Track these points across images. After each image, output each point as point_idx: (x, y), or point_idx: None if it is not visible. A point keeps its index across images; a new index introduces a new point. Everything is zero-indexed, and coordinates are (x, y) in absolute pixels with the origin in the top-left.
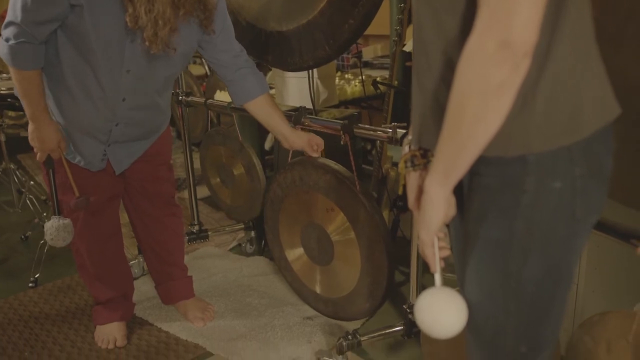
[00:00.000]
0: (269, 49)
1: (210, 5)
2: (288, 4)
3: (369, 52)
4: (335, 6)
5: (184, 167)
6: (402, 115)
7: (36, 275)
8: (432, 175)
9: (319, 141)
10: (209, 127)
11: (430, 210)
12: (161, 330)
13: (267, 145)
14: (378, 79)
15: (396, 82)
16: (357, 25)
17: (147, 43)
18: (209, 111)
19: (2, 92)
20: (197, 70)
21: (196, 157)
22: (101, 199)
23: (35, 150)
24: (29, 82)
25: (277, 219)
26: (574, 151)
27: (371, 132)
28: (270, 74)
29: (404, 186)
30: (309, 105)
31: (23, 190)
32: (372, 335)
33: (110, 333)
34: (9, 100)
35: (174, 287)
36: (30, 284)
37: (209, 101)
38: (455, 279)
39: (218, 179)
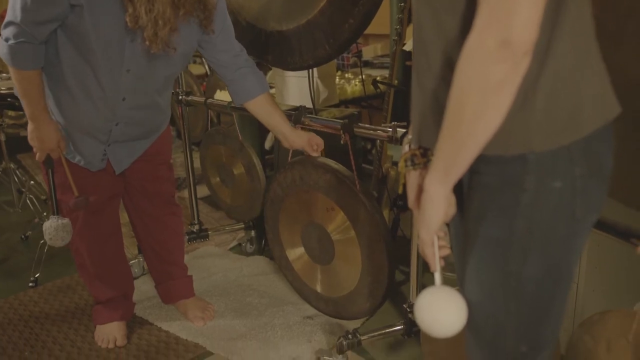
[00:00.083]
0: (269, 49)
1: (210, 5)
2: (288, 3)
3: (369, 51)
4: (335, 5)
5: (184, 166)
6: (402, 114)
7: (36, 275)
8: (432, 174)
9: (319, 141)
10: (209, 126)
11: (430, 209)
12: (161, 330)
13: (267, 144)
14: (378, 78)
15: (396, 82)
16: (357, 25)
17: (147, 43)
18: (209, 110)
19: (2, 91)
20: (197, 69)
21: (196, 156)
22: (101, 198)
23: (34, 149)
24: (29, 81)
25: (277, 218)
26: (574, 150)
27: (371, 131)
28: (270, 73)
29: (404, 185)
30: (309, 105)
31: (23, 190)
32: (372, 334)
33: (110, 333)
34: (9, 99)
35: (174, 286)
36: (30, 284)
37: (209, 100)
38: (456, 278)
39: (218, 179)
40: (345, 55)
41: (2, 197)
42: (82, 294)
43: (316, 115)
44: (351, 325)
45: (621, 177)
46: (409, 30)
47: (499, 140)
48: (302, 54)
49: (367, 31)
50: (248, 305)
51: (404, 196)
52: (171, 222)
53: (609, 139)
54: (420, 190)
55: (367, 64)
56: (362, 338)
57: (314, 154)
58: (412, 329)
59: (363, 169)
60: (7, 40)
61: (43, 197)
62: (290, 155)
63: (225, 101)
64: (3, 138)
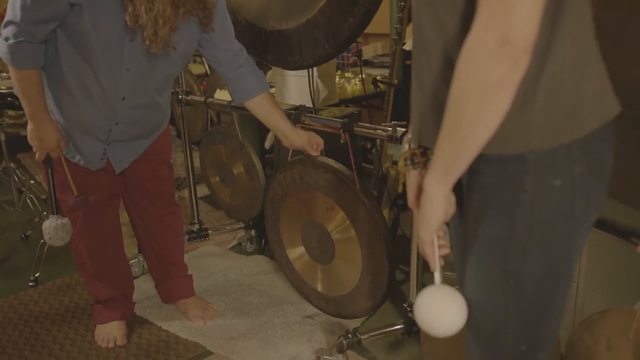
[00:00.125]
0: (268, 48)
1: (210, 4)
2: (288, 2)
3: (369, 50)
4: (335, 5)
5: (184, 166)
6: (402, 113)
7: (36, 274)
8: (432, 174)
9: (319, 140)
10: (209, 126)
11: (430, 209)
12: (161, 329)
13: (267, 144)
14: (378, 77)
15: (396, 81)
16: (357, 24)
17: (147, 42)
18: (209, 110)
19: (2, 91)
20: (197, 69)
21: (196, 156)
22: (101, 198)
23: (34, 149)
24: (29, 81)
25: (277, 217)
26: (574, 149)
27: (371, 130)
28: (270, 72)
29: (404, 184)
30: (309, 104)
31: (23, 189)
32: (373, 333)
33: (110, 332)
34: (8, 99)
35: (174, 286)
36: (30, 283)
37: (209, 100)
38: (455, 278)
39: (217, 178)
40: (345, 54)
41: (2, 197)
42: (82, 293)
43: (316, 114)
44: (351, 324)
45: (621, 176)
46: (409, 30)
47: (498, 140)
48: (302, 53)
49: (367, 30)
50: (248, 305)
51: (404, 195)
52: (171, 221)
53: (609, 138)
54: (419, 189)
55: (367, 63)
56: (362, 337)
57: (314, 153)
58: (412, 328)
59: (363, 168)
60: (6, 39)
61: (43, 197)
62: (290, 154)
63: (225, 100)
64: (3, 137)
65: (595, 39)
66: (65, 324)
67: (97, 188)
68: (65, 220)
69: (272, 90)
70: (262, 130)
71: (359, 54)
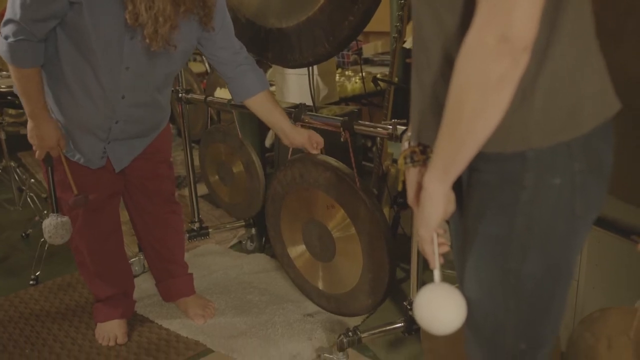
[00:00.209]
0: (268, 46)
1: (210, 3)
2: (288, 0)
3: (369, 49)
4: (335, 3)
5: (184, 164)
6: (402, 111)
7: (37, 273)
8: (431, 172)
9: (319, 139)
10: (209, 124)
11: (429, 207)
12: (162, 328)
13: (268, 142)
14: (378, 75)
15: (396, 79)
16: (357, 22)
17: (147, 40)
18: (209, 108)
19: (2, 89)
20: (197, 67)
21: (196, 154)
22: (101, 196)
23: (34, 147)
24: (28, 79)
25: (278, 216)
26: (573, 147)
27: (371, 128)
28: (270, 70)
29: (404, 183)
30: (309, 102)
31: (23, 188)
32: (373, 332)
33: (110, 330)
34: (8, 98)
35: (174, 284)
36: (31, 282)
37: (209, 98)
38: (455, 276)
39: (217, 177)
40: (345, 52)
41: (3, 195)
42: (82, 291)
43: (316, 112)
44: (352, 322)
45: (621, 174)
46: (409, 28)
47: (498, 138)
48: (302, 51)
49: (367, 29)
50: (248, 303)
51: (404, 194)
52: (171, 220)
53: (608, 136)
54: (419, 187)
55: (367, 62)
56: (363, 335)
57: (314, 152)
58: (413, 327)
59: (363, 167)
60: (6, 38)
61: (43, 195)
62: (290, 152)
63: (225, 99)
64: (3, 136)
65: (595, 38)
66: (66, 322)
67: (97, 187)
68: (66, 218)
69: (272, 88)
70: (262, 128)
71: (359, 52)
